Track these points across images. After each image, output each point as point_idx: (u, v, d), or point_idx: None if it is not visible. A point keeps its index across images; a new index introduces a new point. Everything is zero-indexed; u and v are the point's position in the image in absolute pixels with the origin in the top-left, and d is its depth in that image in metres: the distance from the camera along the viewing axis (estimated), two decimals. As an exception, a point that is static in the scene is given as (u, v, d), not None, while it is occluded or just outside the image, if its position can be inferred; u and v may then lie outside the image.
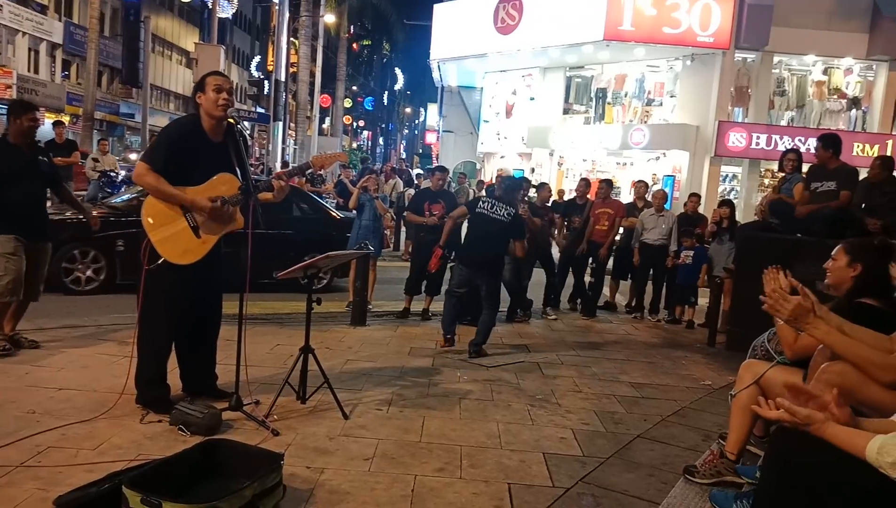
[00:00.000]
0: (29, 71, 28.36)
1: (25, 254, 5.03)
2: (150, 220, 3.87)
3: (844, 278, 3.09)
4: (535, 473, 3.54)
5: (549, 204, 9.11)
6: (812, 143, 6.76)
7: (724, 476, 3.43)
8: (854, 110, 18.24)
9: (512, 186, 6.74)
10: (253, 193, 3.93)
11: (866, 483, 1.86)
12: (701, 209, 9.16)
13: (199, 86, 4.00)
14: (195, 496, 2.73)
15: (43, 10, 29.42)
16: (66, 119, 25.27)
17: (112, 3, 32.59)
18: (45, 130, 20.88)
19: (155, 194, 3.88)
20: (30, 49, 28.85)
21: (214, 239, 4.04)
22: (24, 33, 28.01)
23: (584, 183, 9.35)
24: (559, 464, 3.67)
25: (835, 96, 18.20)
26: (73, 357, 5.05)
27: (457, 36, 22.24)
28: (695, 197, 9.15)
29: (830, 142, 6.67)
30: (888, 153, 15.81)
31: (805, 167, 7.33)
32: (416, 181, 18.39)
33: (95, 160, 14.35)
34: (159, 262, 3.85)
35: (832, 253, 3.22)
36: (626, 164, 19.77)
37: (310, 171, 5.10)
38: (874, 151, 16.25)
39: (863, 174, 7.17)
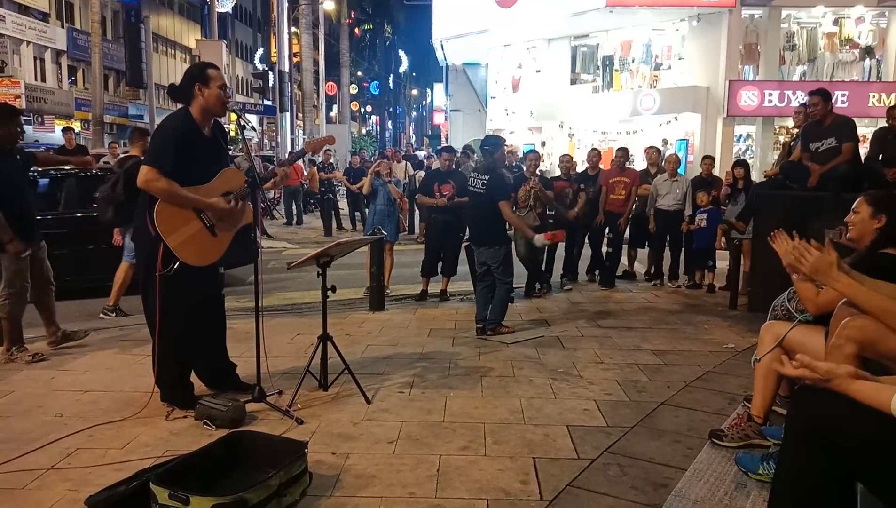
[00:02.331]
0: (36, 80, 28.54)
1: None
2: (168, 225, 3.74)
3: (867, 231, 3.03)
4: (559, 446, 3.54)
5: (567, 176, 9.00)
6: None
7: (752, 439, 3.41)
8: (867, 60, 17.83)
9: (489, 148, 6.29)
10: (259, 184, 3.92)
11: (888, 436, 1.82)
12: (716, 171, 9.03)
13: (201, 77, 3.85)
14: (222, 488, 2.75)
15: (45, 17, 29.52)
16: (76, 125, 25.48)
17: (112, 5, 32.61)
18: (56, 136, 21.02)
19: (168, 200, 3.72)
20: (35, 58, 29.00)
21: (231, 235, 4.03)
22: (29, 42, 28.15)
23: (596, 153, 9.25)
24: (584, 436, 3.66)
25: (847, 47, 17.80)
26: (98, 360, 5.11)
27: (458, 13, 22.05)
28: (708, 159, 9.00)
29: (829, 95, 6.51)
30: (905, 101, 15.48)
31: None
32: (426, 162, 18.30)
33: (107, 163, 14.43)
34: (175, 266, 3.76)
35: (853, 206, 3.15)
36: (636, 131, 19.54)
37: (307, 155, 5.30)
38: (891, 101, 15.90)
39: (860, 126, 6.98)
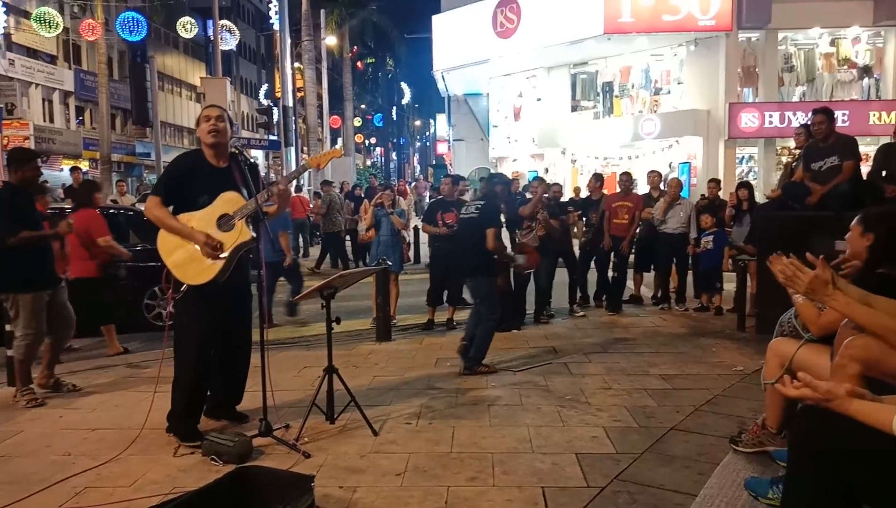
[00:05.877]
0: (44, 121, 28.93)
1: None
2: (165, 248, 4.01)
3: (860, 249, 3.03)
4: (568, 474, 3.51)
5: (568, 201, 9.10)
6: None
7: (765, 446, 3.49)
8: (866, 79, 17.93)
9: (496, 182, 6.46)
10: (262, 218, 3.98)
11: (890, 456, 1.81)
12: (721, 193, 9.09)
13: (197, 121, 4.26)
14: (229, 525, 2.74)
15: (53, 60, 30.03)
16: (84, 165, 25.77)
17: (118, 46, 33.14)
18: (64, 175, 21.29)
19: (160, 226, 4.06)
20: (43, 99, 29.44)
21: (227, 254, 4.08)
22: (37, 85, 28.61)
23: (596, 179, 9.32)
24: (593, 464, 3.63)
25: (845, 67, 17.91)
26: (105, 397, 5.12)
27: (458, 45, 22.33)
28: (714, 182, 9.07)
29: (832, 113, 6.56)
30: (905, 119, 15.54)
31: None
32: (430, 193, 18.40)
33: (114, 201, 14.58)
34: (183, 288, 3.97)
35: (851, 225, 3.16)
36: (639, 156, 19.62)
37: (307, 170, 5.39)
38: (891, 119, 15.96)
39: (861, 144, 6.98)
